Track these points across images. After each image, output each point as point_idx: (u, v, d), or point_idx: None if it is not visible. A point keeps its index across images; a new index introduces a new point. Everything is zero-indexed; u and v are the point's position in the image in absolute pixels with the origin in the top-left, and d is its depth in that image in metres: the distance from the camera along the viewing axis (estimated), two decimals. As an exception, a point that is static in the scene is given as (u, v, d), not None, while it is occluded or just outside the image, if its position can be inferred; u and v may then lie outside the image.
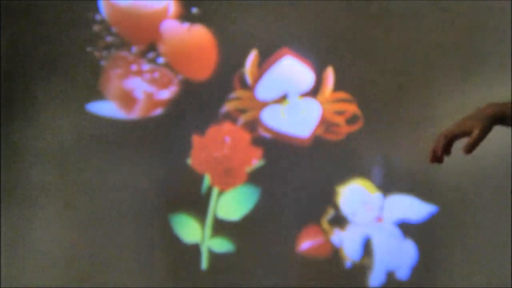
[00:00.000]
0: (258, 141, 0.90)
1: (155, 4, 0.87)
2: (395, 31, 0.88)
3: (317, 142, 0.89)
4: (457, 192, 0.89)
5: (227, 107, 0.86)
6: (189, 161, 0.89)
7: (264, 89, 0.88)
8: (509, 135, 0.84)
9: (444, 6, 0.87)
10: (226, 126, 0.89)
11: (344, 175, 0.90)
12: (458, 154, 0.83)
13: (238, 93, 0.86)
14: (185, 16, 0.88)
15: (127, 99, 0.87)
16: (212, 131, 0.90)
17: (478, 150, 0.84)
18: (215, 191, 0.92)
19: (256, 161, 0.90)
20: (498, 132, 0.82)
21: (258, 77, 0.86)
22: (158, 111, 0.89)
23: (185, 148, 0.90)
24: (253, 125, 0.87)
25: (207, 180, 0.91)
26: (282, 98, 0.88)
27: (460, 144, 0.85)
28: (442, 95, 0.87)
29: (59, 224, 0.94)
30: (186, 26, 0.86)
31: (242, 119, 0.87)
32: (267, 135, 0.86)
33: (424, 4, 0.88)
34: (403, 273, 0.92)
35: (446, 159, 0.84)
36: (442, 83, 0.87)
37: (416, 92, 0.88)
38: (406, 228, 0.91)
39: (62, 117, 0.92)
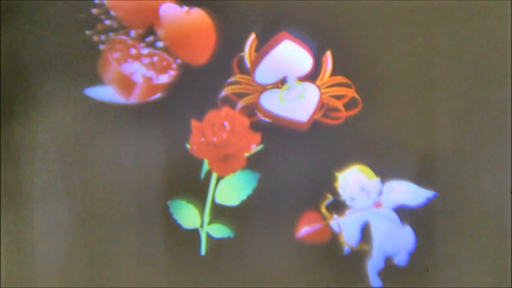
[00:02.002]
0: (257, 126, 0.89)
1: (154, -13, 0.85)
2: (395, 15, 0.89)
3: (315, 126, 0.88)
4: (456, 177, 0.89)
5: (226, 91, 0.85)
6: (188, 146, 0.87)
7: (263, 73, 0.88)
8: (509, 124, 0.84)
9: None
10: (225, 111, 0.88)
11: (343, 161, 0.91)
12: (457, 137, 0.84)
13: (237, 77, 0.85)
14: (184, -1, 0.86)
15: (126, 84, 0.86)
16: (211, 116, 0.89)
17: (477, 135, 0.84)
18: (214, 176, 0.90)
19: (254, 147, 0.89)
20: (497, 122, 0.83)
21: (257, 61, 0.85)
22: (157, 95, 0.87)
23: (184, 133, 0.89)
24: (252, 109, 0.86)
25: (206, 165, 0.90)
26: (281, 82, 0.86)
27: (459, 129, 0.86)
28: (442, 80, 0.87)
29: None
30: (185, 9, 0.84)
31: (241, 103, 0.86)
32: (266, 119, 0.85)
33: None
34: (401, 259, 0.91)
35: (445, 143, 0.84)
36: (443, 69, 0.86)
37: (416, 76, 0.88)
38: (405, 214, 0.90)
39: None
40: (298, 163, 0.92)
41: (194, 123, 0.91)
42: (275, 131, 0.92)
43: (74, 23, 0.93)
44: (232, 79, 0.92)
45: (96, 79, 0.93)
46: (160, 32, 0.91)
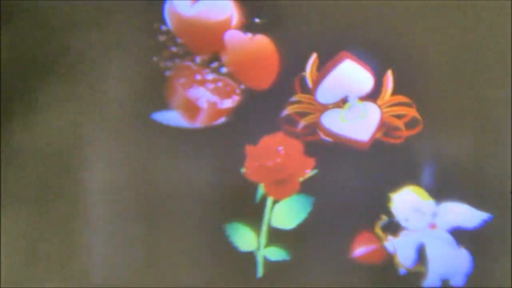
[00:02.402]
0: (311, 151, 0.90)
1: (219, 14, 0.89)
2: (454, 33, 0.91)
3: (375, 146, 0.90)
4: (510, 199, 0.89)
5: (288, 110, 0.87)
6: (243, 170, 0.88)
7: (324, 93, 0.90)
8: None
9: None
10: (279, 136, 0.90)
11: (398, 181, 0.91)
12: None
13: (298, 96, 0.87)
14: (247, 26, 0.90)
15: (191, 109, 0.88)
16: (266, 140, 0.90)
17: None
18: (270, 200, 0.91)
19: (309, 171, 0.90)
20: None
21: (318, 80, 0.88)
22: (221, 120, 0.89)
23: (242, 157, 0.90)
24: (313, 128, 0.88)
25: (261, 189, 0.91)
26: (342, 102, 0.88)
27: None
28: (500, 96, 0.89)
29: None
30: (248, 35, 0.87)
31: (303, 122, 0.88)
32: (327, 138, 0.87)
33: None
34: (458, 281, 0.91)
35: (502, 165, 0.85)
36: (500, 83, 0.89)
37: (476, 95, 0.90)
38: (460, 236, 0.90)
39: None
40: (352, 184, 0.94)
41: (249, 148, 0.92)
42: (330, 154, 0.93)
43: (141, 50, 0.95)
44: (294, 98, 0.93)
45: (162, 104, 0.95)
46: (225, 58, 0.94)
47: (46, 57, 0.96)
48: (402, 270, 0.93)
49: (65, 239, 0.97)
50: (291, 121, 0.94)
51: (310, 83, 0.94)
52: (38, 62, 0.96)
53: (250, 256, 0.95)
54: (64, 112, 0.96)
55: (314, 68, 0.94)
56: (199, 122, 0.95)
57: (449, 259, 0.92)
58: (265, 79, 0.94)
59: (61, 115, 0.96)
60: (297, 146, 0.93)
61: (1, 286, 0.96)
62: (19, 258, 0.97)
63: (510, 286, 0.89)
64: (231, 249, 0.95)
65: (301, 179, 0.93)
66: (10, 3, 0.95)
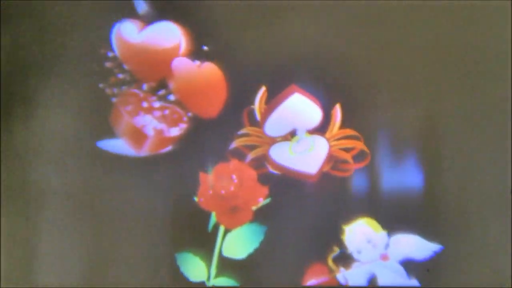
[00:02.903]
0: (265, 179, 0.90)
1: (167, 41, 0.88)
2: (404, 66, 0.90)
3: (324, 179, 0.89)
4: (463, 230, 0.89)
5: (236, 143, 0.86)
6: (196, 198, 0.88)
7: (273, 126, 0.89)
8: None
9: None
10: (233, 163, 0.88)
11: (350, 213, 0.91)
12: (463, 192, 0.85)
13: (247, 129, 0.86)
14: (196, 53, 0.89)
15: (138, 136, 0.87)
16: (219, 168, 0.90)
17: (485, 189, 0.84)
18: (222, 229, 0.90)
19: (262, 200, 0.89)
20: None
21: (266, 114, 0.87)
22: (168, 148, 0.88)
23: (193, 185, 0.89)
24: (261, 161, 0.87)
25: (213, 218, 0.90)
26: (291, 135, 0.87)
27: (467, 183, 0.86)
28: (449, 126, 0.90)
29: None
30: (196, 63, 0.86)
31: (251, 155, 0.87)
32: (275, 171, 0.86)
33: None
34: (408, 312, 0.91)
35: (452, 197, 0.85)
36: (450, 113, 0.89)
37: (425, 128, 0.90)
38: (411, 267, 0.90)
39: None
40: (305, 215, 0.93)
41: (202, 176, 0.91)
42: (283, 184, 0.93)
43: (87, 76, 0.94)
44: (242, 131, 0.93)
45: (109, 132, 0.94)
46: (172, 85, 0.93)
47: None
48: (353, 301, 0.92)
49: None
50: (239, 153, 0.93)
51: (258, 116, 0.93)
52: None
53: (200, 286, 0.94)
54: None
55: (263, 101, 0.93)
56: (146, 150, 0.94)
57: (400, 290, 0.92)
58: (213, 107, 0.93)
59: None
60: (250, 174, 0.92)
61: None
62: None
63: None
64: (182, 279, 0.94)
65: (254, 207, 0.92)
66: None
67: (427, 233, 0.92)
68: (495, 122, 0.91)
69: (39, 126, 0.95)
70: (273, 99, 0.92)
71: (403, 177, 0.92)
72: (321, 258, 0.92)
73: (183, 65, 0.92)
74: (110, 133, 0.94)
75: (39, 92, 0.95)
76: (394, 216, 0.92)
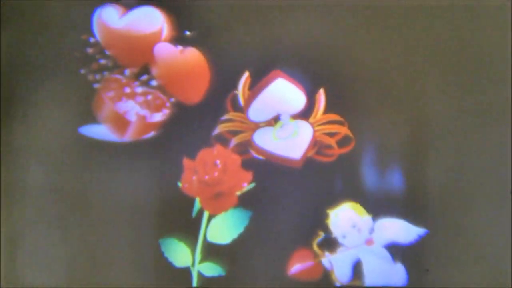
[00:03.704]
0: (249, 165, 0.89)
1: (149, 27, 0.87)
2: (386, 52, 0.90)
3: (308, 164, 0.88)
4: (448, 214, 0.89)
5: (219, 129, 0.86)
6: (180, 184, 0.87)
7: (256, 111, 0.89)
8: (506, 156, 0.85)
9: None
10: (217, 149, 0.88)
11: (335, 198, 0.91)
12: (448, 175, 0.85)
13: (230, 115, 0.86)
14: (178, 38, 0.88)
15: (120, 122, 0.86)
16: (203, 154, 0.89)
17: (471, 175, 0.85)
18: (206, 214, 0.90)
19: (246, 185, 0.89)
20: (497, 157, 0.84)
21: (250, 99, 0.87)
22: (151, 134, 0.87)
23: (176, 171, 0.89)
24: (245, 147, 0.87)
25: (197, 203, 0.90)
26: (274, 120, 0.87)
27: (452, 164, 0.86)
28: (435, 112, 0.89)
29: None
30: (179, 48, 0.86)
31: (235, 140, 0.87)
32: (259, 157, 0.86)
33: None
34: (393, 296, 0.92)
35: (435, 180, 0.85)
36: (436, 102, 0.87)
37: (409, 114, 0.90)
38: (396, 251, 0.90)
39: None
40: (289, 200, 0.93)
41: (186, 162, 0.91)
42: (267, 169, 0.92)
43: (69, 62, 0.93)
44: (225, 117, 0.93)
45: (90, 118, 0.93)
46: (155, 71, 0.92)
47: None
48: (338, 286, 0.92)
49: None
50: (223, 139, 0.93)
51: (242, 102, 0.93)
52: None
53: (185, 272, 0.94)
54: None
55: (246, 86, 0.93)
56: (128, 136, 0.93)
57: (385, 275, 0.92)
58: (195, 93, 0.93)
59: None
60: (234, 159, 0.92)
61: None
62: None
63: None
64: (166, 265, 0.94)
65: (238, 193, 0.92)
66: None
67: (411, 217, 0.92)
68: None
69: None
70: (257, 85, 0.92)
71: (388, 161, 0.92)
72: (306, 243, 0.92)
73: (165, 51, 0.92)
74: (92, 119, 0.93)
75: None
76: (379, 200, 0.92)
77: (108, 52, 0.92)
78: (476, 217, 0.92)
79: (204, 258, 0.93)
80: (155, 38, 0.91)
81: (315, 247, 0.92)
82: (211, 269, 0.94)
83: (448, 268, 0.92)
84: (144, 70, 0.92)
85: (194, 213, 0.93)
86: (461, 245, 0.93)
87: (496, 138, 0.92)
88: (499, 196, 0.92)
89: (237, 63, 0.92)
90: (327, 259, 0.92)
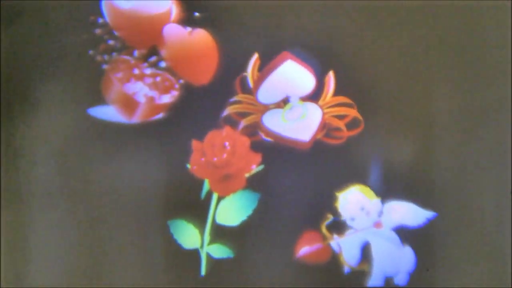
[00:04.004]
0: (257, 147, 0.90)
1: (158, 8, 0.87)
2: (395, 35, 0.90)
3: (317, 146, 0.89)
4: (457, 198, 0.89)
5: (228, 110, 0.86)
6: (189, 166, 0.87)
7: (266, 93, 0.89)
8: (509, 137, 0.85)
9: (443, 6, 0.87)
10: (226, 131, 0.88)
11: (344, 181, 0.91)
12: (458, 159, 0.85)
13: (239, 96, 0.86)
14: (187, 20, 0.88)
15: (129, 103, 0.87)
16: (212, 136, 0.90)
17: (478, 156, 0.85)
18: (215, 196, 0.90)
19: (255, 167, 0.89)
20: (499, 135, 0.84)
21: (259, 81, 0.86)
22: (159, 115, 0.87)
23: (185, 153, 0.89)
24: (254, 128, 0.87)
25: (206, 185, 0.90)
26: (283, 102, 0.87)
27: (459, 149, 0.86)
28: (442, 98, 0.88)
29: (59, 224, 0.94)
30: (188, 30, 0.85)
31: (244, 122, 0.87)
32: (268, 139, 0.86)
33: (424, 4, 0.88)
34: (401, 279, 0.92)
35: (445, 164, 0.85)
36: (443, 86, 0.87)
37: (417, 96, 0.90)
38: (405, 234, 0.90)
39: (63, 117, 0.91)
40: (298, 183, 0.93)
41: (195, 143, 0.91)
42: (276, 151, 0.93)
43: (77, 42, 0.93)
44: (234, 98, 0.93)
45: (99, 99, 0.93)
46: (163, 52, 0.92)
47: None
48: (346, 269, 0.92)
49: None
50: (231, 121, 0.93)
51: (251, 83, 0.93)
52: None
53: (193, 254, 0.94)
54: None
55: (256, 68, 0.92)
56: (137, 118, 0.93)
57: (394, 258, 0.93)
58: (204, 74, 0.92)
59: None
60: (243, 141, 0.92)
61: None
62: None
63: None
64: (175, 247, 0.94)
65: (247, 175, 0.92)
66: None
67: (421, 200, 0.92)
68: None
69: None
70: (266, 66, 0.92)
71: (397, 144, 0.92)
72: (315, 225, 0.93)
73: (174, 32, 0.91)
74: (101, 101, 0.93)
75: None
76: (388, 183, 0.92)
77: (116, 33, 0.91)
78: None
79: (213, 240, 0.93)
80: (163, 19, 0.91)
81: (323, 229, 0.92)
82: (220, 251, 0.94)
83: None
84: (153, 52, 0.92)
85: (203, 195, 0.93)
86: (471, 229, 0.92)
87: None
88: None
89: (246, 45, 0.92)
90: (336, 241, 0.92)
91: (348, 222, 0.93)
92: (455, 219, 0.92)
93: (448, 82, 0.93)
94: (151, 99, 0.93)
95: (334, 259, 0.94)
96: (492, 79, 0.92)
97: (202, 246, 0.94)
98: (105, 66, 0.94)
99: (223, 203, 0.94)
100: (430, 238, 0.92)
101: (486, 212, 0.93)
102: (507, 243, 0.93)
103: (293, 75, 0.92)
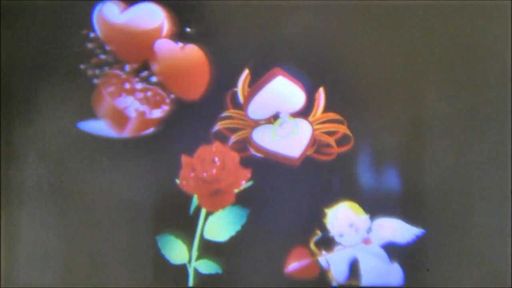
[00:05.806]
0: (247, 162, 0.90)
1: (149, 22, 0.87)
2: (386, 51, 0.91)
3: (307, 162, 0.89)
4: (446, 215, 0.90)
5: (219, 126, 0.87)
6: (178, 181, 0.88)
7: (256, 109, 0.90)
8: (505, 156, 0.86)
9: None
10: (216, 146, 0.89)
11: (333, 197, 0.91)
12: (446, 176, 0.86)
13: (230, 112, 0.87)
14: (179, 35, 0.89)
15: (119, 118, 0.87)
16: (202, 151, 0.90)
17: (470, 176, 0.85)
18: (203, 212, 0.91)
19: (244, 182, 0.90)
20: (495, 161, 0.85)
21: (249, 96, 0.87)
22: (150, 130, 0.88)
23: (175, 168, 0.90)
24: (244, 144, 0.88)
25: (195, 200, 0.90)
26: (274, 118, 0.88)
27: (450, 166, 0.87)
28: (436, 112, 0.90)
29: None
30: (179, 45, 0.86)
31: (233, 138, 0.87)
32: (257, 154, 0.87)
33: (420, 15, 0.89)
34: (389, 295, 0.92)
35: (433, 180, 0.86)
36: (435, 98, 0.88)
37: (409, 112, 0.91)
38: (393, 251, 0.91)
39: (52, 130, 0.92)
40: (287, 199, 0.93)
41: (184, 158, 0.92)
42: (266, 167, 0.93)
43: (69, 56, 0.94)
44: (225, 114, 0.93)
45: (90, 113, 0.94)
46: (155, 67, 0.93)
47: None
48: (335, 285, 0.93)
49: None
50: (221, 136, 0.94)
51: (241, 99, 0.93)
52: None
53: (181, 269, 0.94)
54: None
55: (246, 83, 0.93)
56: (127, 132, 0.94)
57: (382, 274, 0.92)
58: (195, 89, 0.93)
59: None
60: (233, 156, 0.93)
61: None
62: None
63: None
64: (162, 261, 0.94)
65: (236, 190, 0.92)
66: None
67: (409, 217, 0.92)
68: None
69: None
70: (257, 82, 0.93)
71: (386, 161, 0.93)
72: (303, 241, 0.93)
73: (165, 47, 0.92)
74: (91, 115, 0.94)
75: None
76: (377, 200, 0.92)
77: (108, 47, 0.92)
78: (475, 217, 0.93)
79: (200, 256, 0.93)
80: (155, 34, 0.92)
81: (312, 245, 0.92)
82: (207, 267, 0.94)
83: (447, 268, 0.92)
84: (144, 66, 0.93)
85: (191, 210, 0.93)
86: (459, 245, 0.93)
87: (495, 138, 0.92)
88: (498, 196, 0.93)
89: (237, 60, 0.93)
90: (324, 257, 0.93)
91: (337, 239, 0.93)
92: (444, 236, 0.92)
93: (443, 95, 0.94)
94: (141, 114, 0.94)
95: (323, 275, 0.94)
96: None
97: (190, 261, 0.94)
98: (96, 80, 0.94)
99: (211, 218, 0.94)
100: (419, 255, 0.92)
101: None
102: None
103: (283, 91, 0.93)
